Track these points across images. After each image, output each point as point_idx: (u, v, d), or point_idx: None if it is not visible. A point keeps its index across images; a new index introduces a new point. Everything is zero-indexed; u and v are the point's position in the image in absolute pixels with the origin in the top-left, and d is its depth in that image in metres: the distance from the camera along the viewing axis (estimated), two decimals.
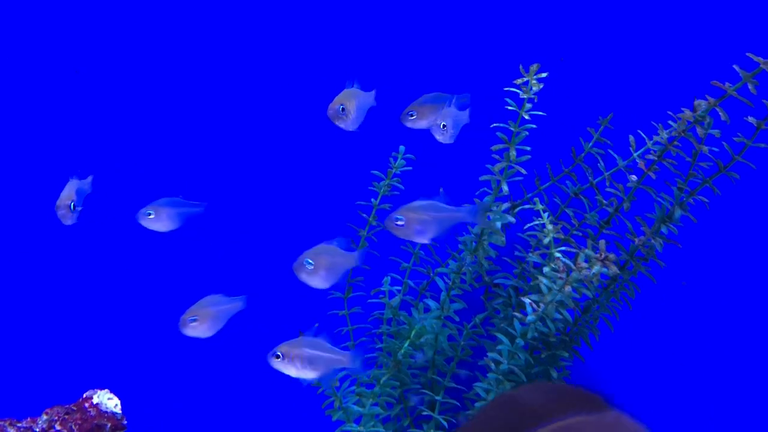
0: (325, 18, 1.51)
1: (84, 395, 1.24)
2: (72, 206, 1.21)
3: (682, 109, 1.24)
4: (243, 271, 1.51)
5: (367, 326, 1.43)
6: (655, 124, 1.27)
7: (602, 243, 1.17)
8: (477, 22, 1.51)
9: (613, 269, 1.17)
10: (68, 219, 1.22)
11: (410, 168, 1.39)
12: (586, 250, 1.18)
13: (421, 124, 1.24)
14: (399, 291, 1.42)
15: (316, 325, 1.32)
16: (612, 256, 1.17)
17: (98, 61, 1.50)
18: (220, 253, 1.52)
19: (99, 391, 1.24)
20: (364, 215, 1.37)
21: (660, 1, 1.51)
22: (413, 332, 1.36)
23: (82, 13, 1.49)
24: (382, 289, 1.42)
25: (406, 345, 1.35)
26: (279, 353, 1.17)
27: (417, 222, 1.17)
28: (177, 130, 1.53)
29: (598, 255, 1.17)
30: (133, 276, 1.50)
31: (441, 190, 1.45)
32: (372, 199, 1.38)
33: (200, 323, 1.20)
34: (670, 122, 1.25)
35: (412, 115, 1.24)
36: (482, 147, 1.48)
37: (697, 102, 1.22)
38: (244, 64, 1.52)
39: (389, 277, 1.43)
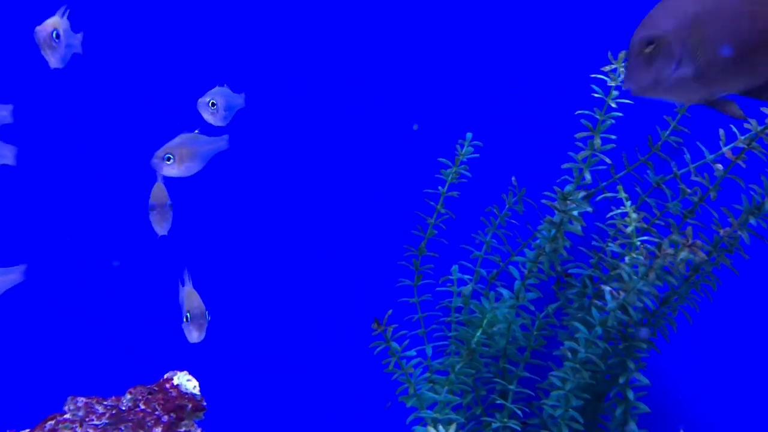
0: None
1: (164, 376, 1.26)
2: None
3: None
4: (318, 259, 1.53)
5: (438, 314, 1.43)
6: (746, 117, 1.25)
7: (689, 229, 1.15)
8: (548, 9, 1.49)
9: (701, 256, 1.15)
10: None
11: (477, 155, 1.38)
12: (673, 236, 1.16)
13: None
14: (470, 280, 1.42)
15: (390, 312, 1.33)
16: (699, 242, 1.15)
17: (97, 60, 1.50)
18: (294, 239, 1.53)
19: (179, 373, 1.26)
20: (432, 203, 1.37)
21: None
22: (485, 321, 1.36)
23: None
24: (450, 277, 1.42)
25: (478, 334, 1.35)
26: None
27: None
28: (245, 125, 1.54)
29: (684, 240, 1.15)
30: (207, 261, 1.52)
31: (513, 179, 1.44)
32: (439, 187, 1.38)
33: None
34: (763, 109, 1.22)
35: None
36: (549, 134, 1.47)
37: None
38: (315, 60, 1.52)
39: (457, 266, 1.43)
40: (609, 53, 1.18)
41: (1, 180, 1.50)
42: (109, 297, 1.52)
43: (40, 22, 1.30)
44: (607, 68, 1.18)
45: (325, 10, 1.49)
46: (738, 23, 0.93)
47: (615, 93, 1.19)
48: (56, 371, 1.50)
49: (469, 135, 1.38)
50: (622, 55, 1.17)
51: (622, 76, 1.16)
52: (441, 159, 1.37)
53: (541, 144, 1.48)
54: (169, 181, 1.35)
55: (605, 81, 1.19)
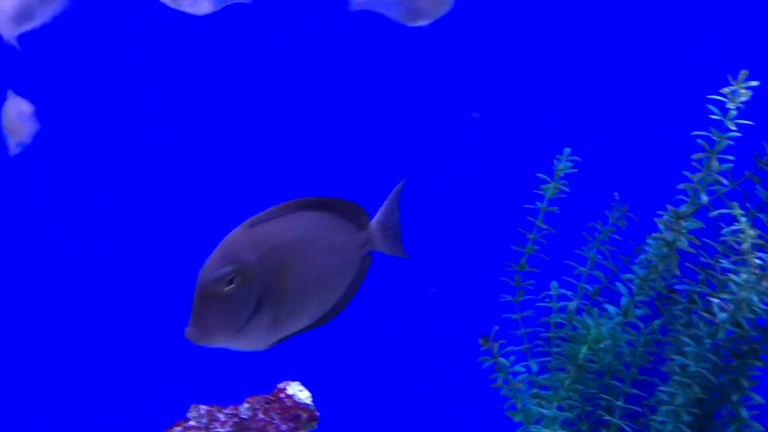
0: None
1: (278, 386, 1.30)
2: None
3: None
4: (423, 276, 1.56)
5: (540, 329, 1.45)
6: None
7: None
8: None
9: None
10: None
11: (575, 170, 1.40)
12: None
13: None
14: (574, 295, 1.43)
15: (496, 327, 1.36)
16: None
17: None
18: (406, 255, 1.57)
19: (291, 383, 1.31)
20: (531, 219, 1.39)
21: None
22: (590, 337, 1.37)
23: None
24: (549, 293, 1.44)
25: (584, 350, 1.36)
26: None
27: None
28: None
29: None
30: None
31: (616, 194, 1.45)
32: (538, 203, 1.40)
33: None
34: None
35: None
36: (650, 152, 1.47)
37: None
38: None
39: (556, 282, 1.45)
40: (729, 76, 1.19)
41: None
42: None
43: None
44: (726, 90, 1.19)
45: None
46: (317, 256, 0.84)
47: (733, 113, 1.19)
48: (173, 380, 1.57)
49: (566, 150, 1.40)
50: (743, 74, 1.17)
51: (744, 98, 1.16)
52: (539, 174, 1.39)
53: (641, 161, 1.49)
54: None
55: (724, 102, 1.20)
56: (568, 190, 1.39)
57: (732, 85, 1.18)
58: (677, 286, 1.40)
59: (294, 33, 1.53)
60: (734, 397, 1.33)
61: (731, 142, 1.22)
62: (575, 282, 1.44)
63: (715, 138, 1.22)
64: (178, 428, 1.25)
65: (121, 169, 1.56)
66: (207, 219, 1.57)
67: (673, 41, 1.48)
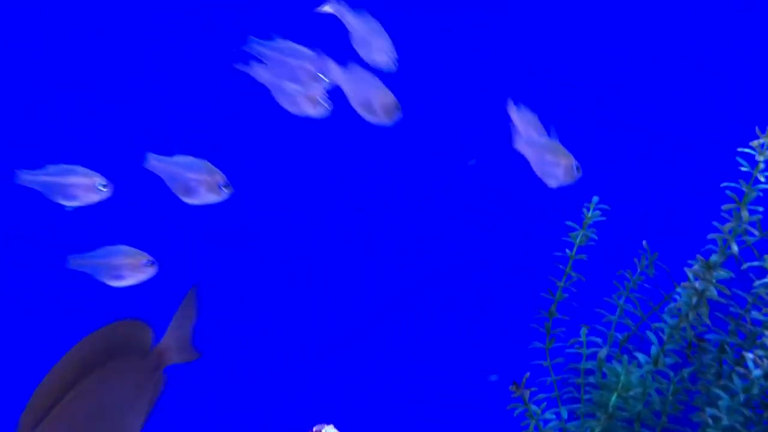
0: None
1: (314, 429, 1.32)
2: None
3: None
4: (451, 322, 1.57)
5: (568, 375, 1.46)
6: None
7: None
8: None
9: None
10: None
11: (604, 218, 1.42)
12: None
13: None
14: (604, 343, 1.44)
15: (527, 374, 1.36)
16: None
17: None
18: (431, 302, 1.59)
19: (326, 426, 1.32)
20: (561, 266, 1.41)
21: None
22: (620, 384, 1.38)
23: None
24: (579, 339, 1.45)
25: (614, 397, 1.37)
26: None
27: None
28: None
29: None
30: (349, 317, 1.59)
31: (645, 242, 1.47)
32: (567, 250, 1.42)
33: None
34: None
35: None
36: (680, 202, 1.50)
37: None
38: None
39: (586, 328, 1.46)
40: (757, 128, 1.22)
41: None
42: (259, 351, 1.59)
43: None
44: (755, 143, 1.22)
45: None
46: None
47: (762, 166, 1.22)
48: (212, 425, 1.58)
49: (595, 198, 1.42)
50: None
51: None
52: (568, 222, 1.41)
53: (670, 209, 1.51)
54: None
55: (753, 155, 1.23)
56: (596, 237, 1.41)
57: (760, 138, 1.21)
58: (707, 335, 1.41)
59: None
60: None
61: (760, 194, 1.24)
62: (605, 330, 1.46)
63: (744, 189, 1.25)
64: None
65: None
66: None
67: (706, 90, 1.51)
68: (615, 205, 1.46)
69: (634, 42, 1.53)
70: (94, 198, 1.21)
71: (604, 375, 1.42)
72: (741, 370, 1.26)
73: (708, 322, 1.33)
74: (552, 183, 1.20)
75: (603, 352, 1.43)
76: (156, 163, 1.18)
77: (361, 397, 1.59)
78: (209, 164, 1.19)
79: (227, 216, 1.54)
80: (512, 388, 1.34)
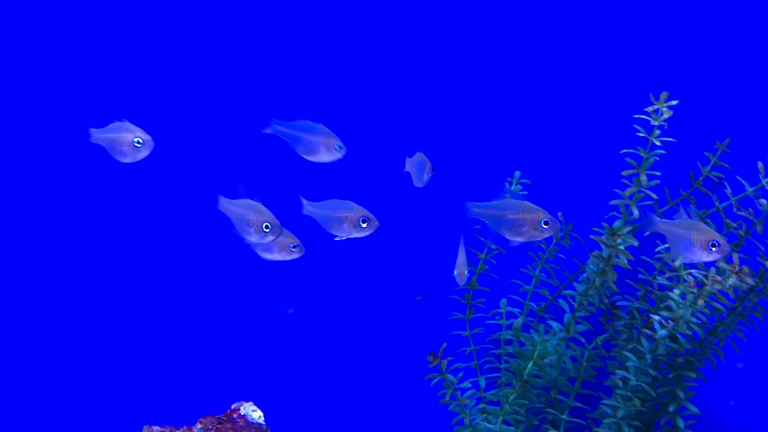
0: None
1: (231, 407, 1.31)
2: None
3: None
4: (374, 294, 1.58)
5: (488, 346, 1.48)
6: None
7: (736, 256, 1.20)
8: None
9: (749, 281, 1.19)
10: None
11: (525, 192, 1.44)
12: (721, 264, 1.21)
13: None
14: (520, 313, 1.46)
15: (445, 345, 1.38)
16: (746, 268, 1.19)
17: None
18: (353, 275, 1.59)
19: (245, 403, 1.32)
20: (482, 238, 1.43)
21: None
22: (536, 353, 1.40)
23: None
24: (499, 311, 1.47)
25: (530, 365, 1.39)
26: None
27: None
28: None
29: (732, 267, 1.19)
30: (271, 296, 1.59)
31: (560, 214, 1.50)
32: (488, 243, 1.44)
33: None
34: None
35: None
36: (594, 173, 1.53)
37: None
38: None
39: (506, 300, 1.48)
40: (651, 94, 1.24)
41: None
42: (178, 328, 1.58)
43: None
44: (649, 108, 1.24)
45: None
46: None
47: (657, 132, 1.25)
48: (131, 401, 1.57)
49: (517, 173, 1.44)
50: (664, 95, 1.23)
51: (666, 115, 1.22)
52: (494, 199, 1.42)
53: (586, 180, 1.54)
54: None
55: (648, 121, 1.25)
56: None
57: (654, 104, 1.24)
58: (619, 303, 1.45)
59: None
60: (671, 408, 1.37)
61: (657, 158, 1.28)
62: (521, 300, 1.48)
63: (642, 155, 1.28)
64: None
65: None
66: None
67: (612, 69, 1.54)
68: (535, 179, 1.49)
69: (532, 21, 1.55)
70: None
71: (521, 344, 1.45)
72: (648, 332, 1.30)
73: (615, 288, 1.36)
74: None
75: (518, 322, 1.46)
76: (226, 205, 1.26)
77: (281, 373, 1.59)
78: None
79: None
80: (429, 358, 1.35)
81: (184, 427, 1.28)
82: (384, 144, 1.56)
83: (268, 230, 1.22)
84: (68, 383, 1.58)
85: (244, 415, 1.31)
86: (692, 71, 1.53)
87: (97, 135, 1.30)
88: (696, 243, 1.19)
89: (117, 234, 1.57)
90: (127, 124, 1.28)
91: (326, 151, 1.24)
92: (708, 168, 1.45)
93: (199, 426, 1.28)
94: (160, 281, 1.58)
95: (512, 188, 1.43)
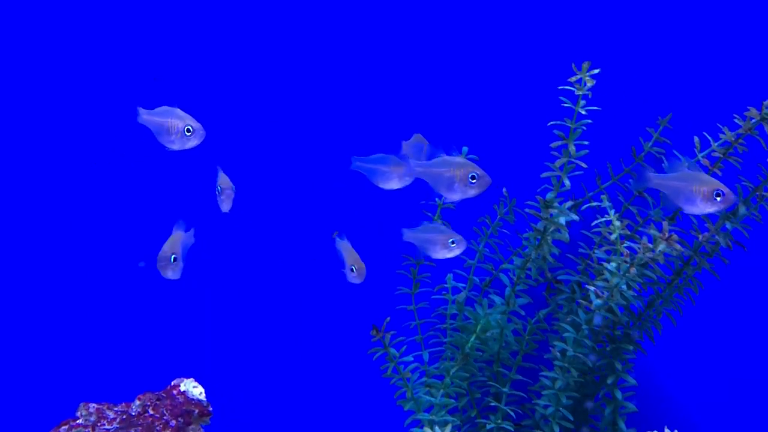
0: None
1: (172, 383, 1.32)
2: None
3: (748, 107, 1.26)
4: (319, 268, 1.59)
5: (434, 321, 1.49)
6: (720, 125, 1.30)
7: (665, 224, 1.20)
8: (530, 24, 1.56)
9: (677, 248, 1.19)
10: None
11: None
12: (651, 230, 1.21)
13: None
14: (464, 287, 1.47)
15: (388, 319, 1.38)
16: (675, 236, 1.19)
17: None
18: (297, 247, 1.60)
19: (185, 380, 1.32)
20: (429, 214, 1.43)
21: (720, 8, 1.53)
22: (479, 327, 1.41)
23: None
24: (445, 285, 1.48)
25: (472, 339, 1.40)
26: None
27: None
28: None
29: (661, 235, 1.20)
30: (212, 270, 1.59)
31: (504, 190, 1.50)
32: (436, 199, 1.44)
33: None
34: (736, 119, 1.27)
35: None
36: (543, 146, 1.53)
37: (766, 101, 1.24)
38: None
39: (452, 274, 1.49)
40: (573, 64, 1.24)
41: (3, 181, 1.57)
42: (117, 305, 1.59)
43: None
44: (572, 78, 1.24)
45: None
46: None
47: (583, 102, 1.25)
48: (68, 378, 1.57)
49: (465, 149, 1.44)
50: (586, 65, 1.24)
51: (589, 84, 1.22)
52: None
53: (531, 155, 1.54)
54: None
55: (573, 91, 1.26)
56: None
57: (578, 74, 1.24)
58: (561, 277, 1.45)
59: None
60: (610, 380, 1.38)
61: (584, 128, 1.28)
62: (466, 275, 1.48)
63: (569, 125, 1.28)
64: (65, 427, 1.26)
65: None
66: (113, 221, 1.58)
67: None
68: (482, 155, 1.49)
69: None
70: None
71: (465, 318, 1.45)
72: (585, 303, 1.31)
73: (551, 260, 1.37)
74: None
75: (461, 296, 1.46)
76: None
77: (223, 349, 1.59)
78: None
79: None
80: (373, 332, 1.35)
81: (123, 404, 1.29)
82: (328, 123, 1.56)
83: (189, 133, 1.18)
84: (2, 359, 1.58)
85: (184, 391, 1.31)
86: (639, 48, 1.53)
87: (146, 116, 1.23)
88: (698, 194, 1.18)
89: (56, 209, 1.57)
90: (177, 110, 1.22)
91: (398, 180, 1.27)
92: (650, 144, 1.45)
93: (137, 402, 1.28)
94: (97, 256, 1.58)
95: None
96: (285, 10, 1.57)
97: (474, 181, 1.21)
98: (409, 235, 1.29)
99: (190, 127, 1.21)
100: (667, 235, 1.19)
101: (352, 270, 1.28)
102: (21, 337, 1.59)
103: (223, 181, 1.28)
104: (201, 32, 1.56)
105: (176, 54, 1.56)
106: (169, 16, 1.56)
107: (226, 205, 1.27)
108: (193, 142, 1.22)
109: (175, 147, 1.22)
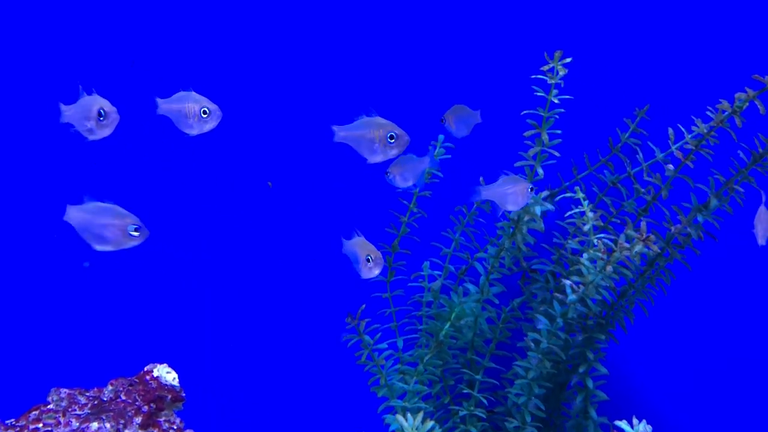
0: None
1: (145, 369, 1.32)
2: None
3: (720, 100, 1.27)
4: (294, 255, 1.59)
5: (409, 308, 1.49)
6: (694, 117, 1.31)
7: (643, 224, 1.21)
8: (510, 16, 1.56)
9: (654, 249, 1.20)
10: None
11: (449, 156, 1.44)
12: (628, 231, 1.22)
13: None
14: (440, 275, 1.47)
15: (363, 306, 1.39)
16: (653, 236, 1.20)
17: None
18: (272, 235, 1.60)
19: (158, 365, 1.32)
20: (405, 202, 1.43)
21: None
22: (453, 314, 1.42)
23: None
24: (422, 273, 1.48)
25: (446, 327, 1.41)
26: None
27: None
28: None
29: (639, 235, 1.20)
30: (187, 256, 1.59)
31: (481, 179, 1.50)
32: (414, 189, 1.44)
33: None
34: (708, 112, 1.28)
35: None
36: (520, 135, 1.53)
37: (737, 94, 1.25)
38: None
39: (428, 262, 1.49)
40: (545, 53, 1.25)
41: None
42: (91, 291, 1.58)
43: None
44: (545, 68, 1.25)
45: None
46: None
47: (555, 91, 1.25)
48: (40, 364, 1.57)
49: (441, 137, 1.44)
50: (558, 54, 1.24)
51: (561, 73, 1.22)
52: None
53: (508, 143, 1.55)
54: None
55: (545, 80, 1.26)
56: (441, 175, 1.43)
57: (549, 63, 1.24)
58: (535, 266, 1.46)
59: None
60: (581, 369, 1.39)
61: (557, 117, 1.28)
62: (442, 263, 1.49)
63: (542, 114, 1.28)
64: (35, 412, 1.25)
65: None
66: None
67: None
68: (458, 143, 1.49)
69: None
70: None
71: (441, 306, 1.46)
72: (560, 296, 1.31)
73: (525, 250, 1.37)
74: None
75: (437, 284, 1.47)
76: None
77: (197, 335, 1.59)
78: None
79: None
80: (347, 319, 1.36)
81: (95, 389, 1.28)
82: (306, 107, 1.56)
83: (206, 115, 1.16)
84: None
85: (157, 377, 1.31)
86: (618, 38, 1.53)
87: (164, 106, 1.20)
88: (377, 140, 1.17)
89: (34, 198, 1.56)
90: (193, 94, 1.19)
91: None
92: (627, 135, 1.46)
93: (110, 388, 1.28)
94: (72, 241, 1.57)
95: (435, 152, 1.43)
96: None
97: (393, 141, 1.19)
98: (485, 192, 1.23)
99: (206, 108, 1.18)
100: (644, 235, 1.20)
101: (368, 260, 1.22)
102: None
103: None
104: (203, 33, 1.55)
105: (179, 53, 1.55)
106: (181, 18, 1.55)
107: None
108: (210, 125, 1.19)
109: (194, 132, 1.19)
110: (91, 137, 1.17)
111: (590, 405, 1.40)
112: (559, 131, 1.28)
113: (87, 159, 1.58)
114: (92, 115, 1.15)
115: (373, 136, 1.18)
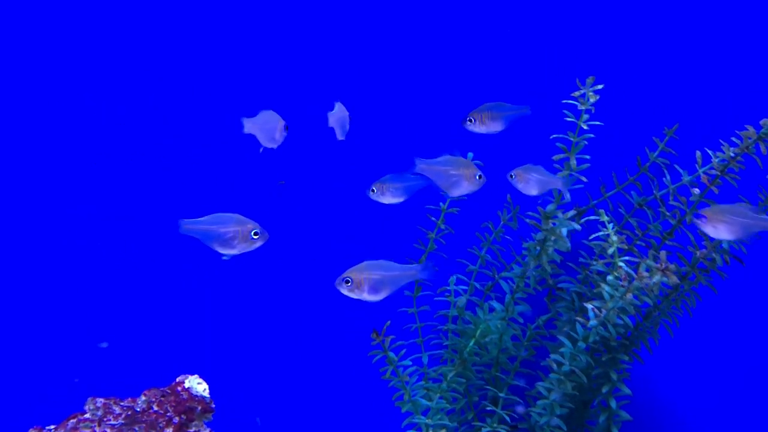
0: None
1: (176, 380, 1.34)
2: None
3: (746, 126, 1.27)
4: (323, 270, 1.61)
5: (435, 323, 1.50)
6: (722, 142, 1.31)
7: (663, 254, 1.21)
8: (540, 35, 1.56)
9: (673, 279, 1.21)
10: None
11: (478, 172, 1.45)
12: (648, 261, 1.23)
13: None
14: (465, 291, 1.49)
15: (388, 323, 1.40)
16: (673, 266, 1.21)
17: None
18: (302, 249, 1.62)
19: (189, 377, 1.35)
20: (433, 218, 1.45)
21: (728, 20, 1.53)
22: (478, 331, 1.43)
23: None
24: (448, 288, 1.49)
25: (471, 343, 1.42)
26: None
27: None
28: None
29: (659, 265, 1.21)
30: (218, 269, 1.62)
31: (508, 196, 1.51)
32: (441, 203, 1.45)
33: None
34: (734, 138, 1.28)
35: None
36: (548, 153, 1.54)
37: (763, 120, 1.25)
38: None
39: (455, 277, 1.50)
40: (577, 79, 1.26)
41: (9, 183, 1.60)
42: (128, 302, 1.61)
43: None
44: (576, 93, 1.26)
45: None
46: None
47: (585, 116, 1.26)
48: (79, 372, 1.60)
49: (470, 155, 1.46)
50: (590, 80, 1.25)
51: (592, 100, 1.23)
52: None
53: (536, 161, 1.55)
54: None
55: (576, 105, 1.27)
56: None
57: (581, 89, 1.25)
58: (561, 284, 1.47)
59: None
60: (605, 389, 1.40)
61: (586, 142, 1.29)
62: (467, 279, 1.50)
63: (571, 139, 1.29)
64: (73, 420, 1.28)
65: None
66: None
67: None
68: (487, 161, 1.50)
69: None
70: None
71: (465, 322, 1.47)
72: (581, 319, 1.32)
73: (550, 270, 1.38)
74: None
75: (462, 300, 1.48)
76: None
77: (227, 347, 1.62)
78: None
79: None
80: (373, 335, 1.37)
81: (129, 399, 1.31)
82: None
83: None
84: (15, 353, 1.61)
85: (188, 388, 1.34)
86: (649, 58, 1.53)
87: (250, 125, 1.31)
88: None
89: (64, 210, 1.60)
90: (273, 113, 1.30)
91: (468, 183, 1.26)
92: (655, 154, 1.46)
93: (143, 398, 1.31)
94: (108, 254, 1.61)
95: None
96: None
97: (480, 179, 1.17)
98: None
99: (286, 125, 1.29)
100: (664, 265, 1.21)
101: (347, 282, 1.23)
102: (33, 333, 1.62)
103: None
104: (212, 38, 1.57)
105: (192, 57, 1.57)
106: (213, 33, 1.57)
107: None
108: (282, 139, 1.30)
109: (273, 145, 1.30)
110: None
111: (613, 425, 1.40)
112: (587, 156, 1.29)
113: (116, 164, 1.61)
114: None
115: (462, 173, 1.21)
